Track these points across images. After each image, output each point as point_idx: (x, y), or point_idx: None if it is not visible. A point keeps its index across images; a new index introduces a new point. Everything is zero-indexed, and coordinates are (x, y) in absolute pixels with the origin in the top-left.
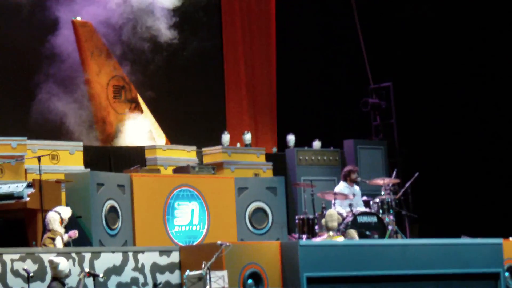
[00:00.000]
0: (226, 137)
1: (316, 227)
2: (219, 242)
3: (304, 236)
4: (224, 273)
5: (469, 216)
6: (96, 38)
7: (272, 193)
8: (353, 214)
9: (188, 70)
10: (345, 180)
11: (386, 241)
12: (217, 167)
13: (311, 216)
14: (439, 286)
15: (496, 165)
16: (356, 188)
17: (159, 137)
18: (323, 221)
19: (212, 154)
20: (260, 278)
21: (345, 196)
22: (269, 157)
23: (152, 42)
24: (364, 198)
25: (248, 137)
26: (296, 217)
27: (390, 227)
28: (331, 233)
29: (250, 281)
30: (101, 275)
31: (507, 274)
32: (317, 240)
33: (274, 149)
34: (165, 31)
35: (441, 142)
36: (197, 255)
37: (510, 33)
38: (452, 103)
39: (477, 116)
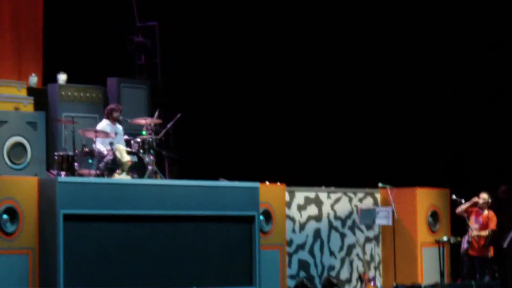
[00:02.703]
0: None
1: (76, 164)
2: None
3: (63, 173)
4: None
5: (229, 159)
6: None
7: (32, 128)
8: (114, 153)
9: None
10: (107, 118)
11: (145, 181)
12: None
13: (71, 153)
14: (196, 227)
15: (256, 108)
16: (119, 126)
17: None
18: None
19: None
20: (16, 213)
21: (107, 134)
22: (30, 91)
23: None
24: (126, 137)
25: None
26: (56, 153)
27: (149, 167)
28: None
29: (5, 216)
30: None
31: (262, 217)
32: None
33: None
34: None
35: (206, 84)
36: None
37: None
38: (220, 44)
39: (246, 57)
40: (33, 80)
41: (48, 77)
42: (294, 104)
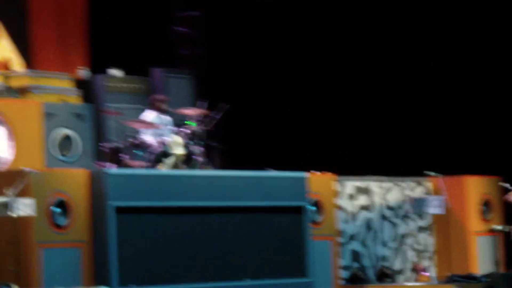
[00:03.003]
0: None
1: (125, 156)
2: (25, 168)
3: (112, 165)
4: (31, 200)
5: (278, 149)
6: None
7: (80, 120)
8: (163, 144)
9: None
10: (153, 109)
11: (194, 172)
12: (23, 91)
13: (118, 145)
14: (246, 218)
15: (303, 97)
16: (165, 117)
17: (16, 63)
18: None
19: (17, 78)
20: (67, 206)
21: (154, 125)
22: (77, 83)
23: None
24: (173, 128)
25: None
26: (104, 145)
27: (198, 158)
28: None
29: (57, 209)
30: None
31: (313, 208)
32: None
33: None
34: None
35: (252, 74)
36: (1, 182)
37: None
38: (264, 37)
39: (287, 48)
40: (84, 73)
41: (94, 69)
42: (343, 92)
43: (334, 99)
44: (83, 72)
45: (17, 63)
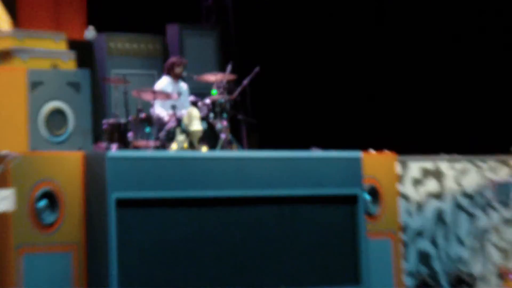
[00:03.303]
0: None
1: (130, 134)
2: (4, 152)
3: (114, 146)
4: (10, 192)
5: (321, 123)
6: None
7: (75, 90)
8: (177, 119)
9: None
10: (168, 74)
11: (217, 153)
12: (7, 56)
13: (123, 121)
14: (283, 211)
15: (353, 59)
16: (182, 85)
17: (1, 20)
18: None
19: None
20: (55, 199)
21: (168, 95)
22: (72, 44)
23: None
24: (192, 98)
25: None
26: (105, 121)
27: (223, 135)
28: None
29: (42, 203)
30: None
31: (368, 196)
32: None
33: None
34: None
35: (291, 30)
36: None
37: None
38: None
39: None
40: (91, 34)
41: (94, 26)
42: (401, 55)
43: (394, 62)
44: (89, 33)
45: (4, 22)
